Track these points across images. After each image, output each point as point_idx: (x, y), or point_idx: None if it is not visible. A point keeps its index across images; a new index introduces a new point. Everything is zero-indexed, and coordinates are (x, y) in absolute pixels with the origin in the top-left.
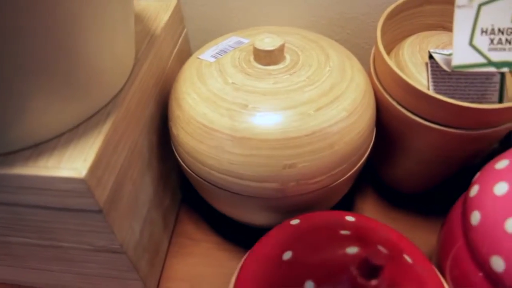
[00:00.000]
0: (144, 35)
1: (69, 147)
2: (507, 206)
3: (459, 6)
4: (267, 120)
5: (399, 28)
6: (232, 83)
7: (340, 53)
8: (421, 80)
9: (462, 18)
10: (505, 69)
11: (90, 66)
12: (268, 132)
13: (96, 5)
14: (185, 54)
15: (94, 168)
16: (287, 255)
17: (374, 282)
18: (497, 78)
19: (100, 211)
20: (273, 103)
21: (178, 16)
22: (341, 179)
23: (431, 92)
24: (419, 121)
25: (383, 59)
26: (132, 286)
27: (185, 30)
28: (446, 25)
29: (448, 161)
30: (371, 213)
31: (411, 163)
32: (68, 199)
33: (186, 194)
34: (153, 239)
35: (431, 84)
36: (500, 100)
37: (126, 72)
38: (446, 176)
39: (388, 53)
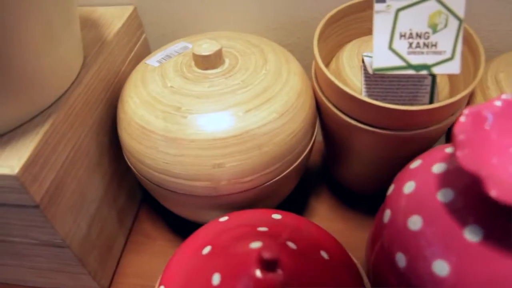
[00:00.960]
0: (95, 41)
1: (7, 147)
2: (412, 204)
3: (377, 12)
4: (197, 121)
5: (344, 32)
6: (171, 86)
7: (279, 57)
8: (357, 84)
9: (381, 23)
10: (423, 72)
11: (26, 70)
12: (197, 133)
13: (31, 12)
14: (143, 59)
15: (29, 166)
16: (206, 250)
17: (271, 275)
18: (428, 81)
19: (37, 206)
20: (205, 105)
21: (135, 23)
22: (275, 179)
23: (359, 95)
24: (354, 123)
25: (317, 63)
26: (81, 280)
27: (144, 35)
28: None
29: (391, 162)
30: (325, 212)
31: (357, 164)
32: (6, 194)
33: (147, 194)
34: (104, 235)
35: (363, 87)
36: (431, 102)
37: (71, 76)
38: (393, 177)
39: (333, 57)
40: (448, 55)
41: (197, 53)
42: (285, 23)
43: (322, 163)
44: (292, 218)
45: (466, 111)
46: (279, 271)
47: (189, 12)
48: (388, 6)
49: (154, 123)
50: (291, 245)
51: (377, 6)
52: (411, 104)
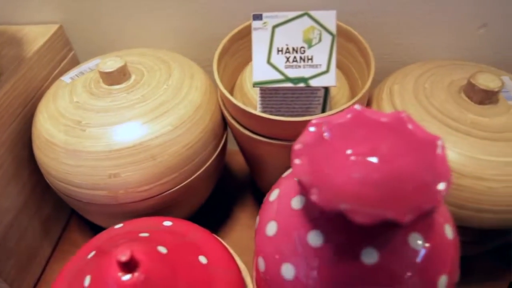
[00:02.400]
0: (13, 59)
1: None
2: (271, 210)
3: (255, 29)
4: (95, 134)
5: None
6: (76, 102)
7: (185, 73)
8: (256, 98)
9: (259, 39)
10: (301, 85)
11: None
12: (94, 145)
13: None
14: None
15: None
16: (91, 254)
17: (129, 277)
18: (321, 93)
19: None
20: (103, 119)
21: (60, 40)
22: (175, 188)
23: (250, 109)
24: (252, 136)
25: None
26: None
27: (72, 52)
28: None
29: None
30: (247, 221)
31: (269, 174)
32: None
33: None
34: (24, 244)
35: (259, 101)
36: (323, 113)
37: None
38: None
39: (241, 72)
40: (323, 68)
41: (101, 70)
42: (203, 40)
43: (248, 172)
44: (181, 225)
45: (314, 121)
46: (138, 274)
47: (115, 29)
48: (264, 23)
49: (57, 136)
50: (162, 249)
51: (255, 24)
52: (304, 115)
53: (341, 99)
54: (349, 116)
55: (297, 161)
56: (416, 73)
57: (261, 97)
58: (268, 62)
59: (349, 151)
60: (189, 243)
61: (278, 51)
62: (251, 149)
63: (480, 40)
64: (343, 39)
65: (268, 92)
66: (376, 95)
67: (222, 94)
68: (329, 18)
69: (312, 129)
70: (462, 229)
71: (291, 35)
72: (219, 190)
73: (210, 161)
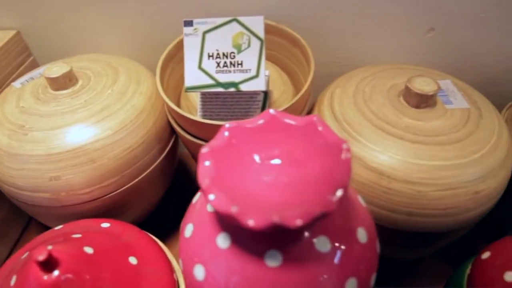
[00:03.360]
0: None
1: None
2: (191, 213)
3: (186, 35)
4: (36, 138)
5: None
6: (22, 106)
7: (131, 78)
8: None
9: (190, 45)
10: (231, 89)
11: None
12: (34, 149)
13: None
14: None
15: None
16: (25, 255)
17: (47, 276)
18: (260, 97)
19: None
20: (45, 124)
21: (18, 46)
22: (118, 191)
23: (186, 113)
24: (193, 140)
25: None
26: None
27: (32, 57)
28: None
29: None
30: None
31: None
32: None
33: None
34: None
35: (199, 105)
36: None
37: None
38: None
39: None
40: (253, 73)
41: (47, 75)
42: (156, 46)
43: None
44: (119, 227)
45: (227, 125)
46: (59, 273)
47: (74, 35)
48: (195, 29)
49: (1, 140)
50: (88, 249)
51: (186, 30)
52: (243, 119)
53: (284, 102)
54: (261, 121)
55: (201, 165)
56: (359, 77)
57: (202, 102)
58: (200, 67)
59: (256, 156)
60: (122, 244)
61: (209, 56)
62: (196, 153)
63: (428, 44)
64: (290, 44)
65: (209, 97)
66: (319, 99)
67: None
68: (257, 24)
69: (225, 133)
70: (399, 232)
71: (221, 40)
72: (174, 194)
73: (155, 164)
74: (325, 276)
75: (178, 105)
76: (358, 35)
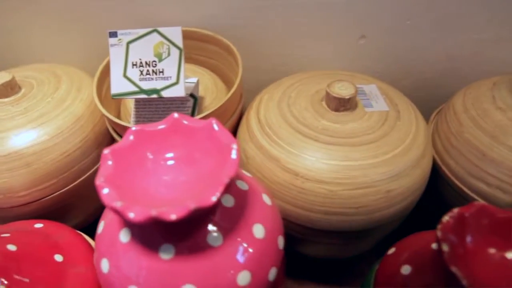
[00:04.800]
0: None
1: None
2: (106, 211)
3: (111, 45)
4: None
5: None
6: None
7: (73, 86)
8: None
9: (115, 55)
10: (154, 95)
11: None
12: None
13: None
14: None
15: None
16: None
17: None
18: (190, 103)
19: None
20: None
21: None
22: (55, 193)
23: (114, 118)
24: None
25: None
26: None
27: None
28: (194, 57)
29: None
30: None
31: None
32: None
33: None
34: None
35: (133, 111)
36: None
37: None
38: None
39: None
40: (173, 80)
41: None
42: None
43: None
44: (51, 227)
45: (133, 128)
46: None
47: (25, 45)
48: (119, 39)
49: None
50: (11, 247)
51: (111, 40)
52: None
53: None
54: (165, 124)
55: (101, 164)
56: (288, 83)
57: (135, 108)
58: (124, 75)
59: (155, 156)
60: (49, 242)
61: (133, 65)
62: None
63: (361, 51)
64: (226, 52)
65: (142, 104)
66: (250, 104)
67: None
68: (175, 34)
69: (130, 136)
70: (319, 231)
71: (144, 50)
72: None
73: (94, 168)
74: (217, 269)
75: (119, 111)
76: (293, 43)
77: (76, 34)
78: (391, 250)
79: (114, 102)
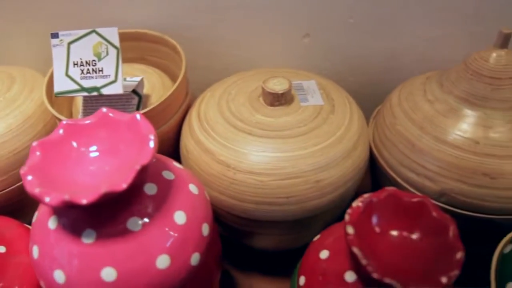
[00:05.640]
0: None
1: None
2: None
3: (54, 45)
4: None
5: None
6: None
7: (25, 87)
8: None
9: (58, 55)
10: (94, 93)
11: None
12: None
13: None
14: None
15: None
16: None
17: None
18: (135, 101)
19: None
20: None
21: None
22: (9, 188)
23: (58, 115)
24: None
25: None
26: None
27: None
28: (147, 58)
29: None
30: None
31: None
32: None
33: None
34: None
35: (81, 108)
36: None
37: None
38: None
39: None
40: (112, 78)
41: None
42: None
43: None
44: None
45: (63, 122)
46: None
47: None
48: (61, 40)
49: None
50: None
51: (53, 41)
52: None
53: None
54: (94, 118)
55: (29, 155)
56: (230, 81)
57: (83, 107)
58: (66, 74)
59: (82, 148)
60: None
61: (74, 64)
62: None
63: (306, 49)
64: (173, 52)
65: (90, 102)
66: (194, 102)
67: None
68: (112, 34)
69: (60, 130)
70: (255, 222)
71: (84, 50)
72: None
73: None
74: (136, 252)
75: (71, 111)
76: (242, 43)
77: (34, 37)
78: (316, 237)
79: (67, 102)
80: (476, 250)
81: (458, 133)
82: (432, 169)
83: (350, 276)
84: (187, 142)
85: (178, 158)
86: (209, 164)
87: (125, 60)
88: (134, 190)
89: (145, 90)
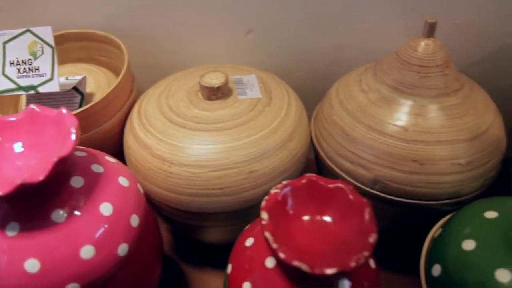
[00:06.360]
0: None
1: None
2: None
3: None
4: None
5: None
6: None
7: None
8: None
9: None
10: (32, 92)
11: None
12: None
13: None
14: None
15: None
16: None
17: None
18: (78, 99)
19: None
20: None
21: None
22: None
23: None
24: None
25: None
26: None
27: None
28: (97, 58)
29: None
30: None
31: None
32: None
33: None
34: None
35: (25, 105)
36: None
37: None
38: None
39: None
40: (48, 76)
41: None
42: None
43: None
44: None
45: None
46: None
47: None
48: None
49: None
50: None
51: None
52: None
53: None
54: (23, 115)
55: None
56: (172, 78)
57: (28, 103)
58: (3, 74)
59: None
60: None
61: (11, 64)
62: None
63: (250, 45)
64: (118, 50)
65: (33, 100)
66: (137, 100)
67: None
68: (46, 33)
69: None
70: (193, 214)
71: (20, 49)
72: None
73: None
74: (59, 243)
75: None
76: (187, 40)
77: None
78: (247, 226)
79: (13, 101)
80: (413, 236)
81: (389, 121)
82: (365, 158)
83: (270, 262)
84: (127, 138)
85: (123, 155)
86: (146, 159)
87: (75, 60)
88: (59, 183)
89: (91, 89)
